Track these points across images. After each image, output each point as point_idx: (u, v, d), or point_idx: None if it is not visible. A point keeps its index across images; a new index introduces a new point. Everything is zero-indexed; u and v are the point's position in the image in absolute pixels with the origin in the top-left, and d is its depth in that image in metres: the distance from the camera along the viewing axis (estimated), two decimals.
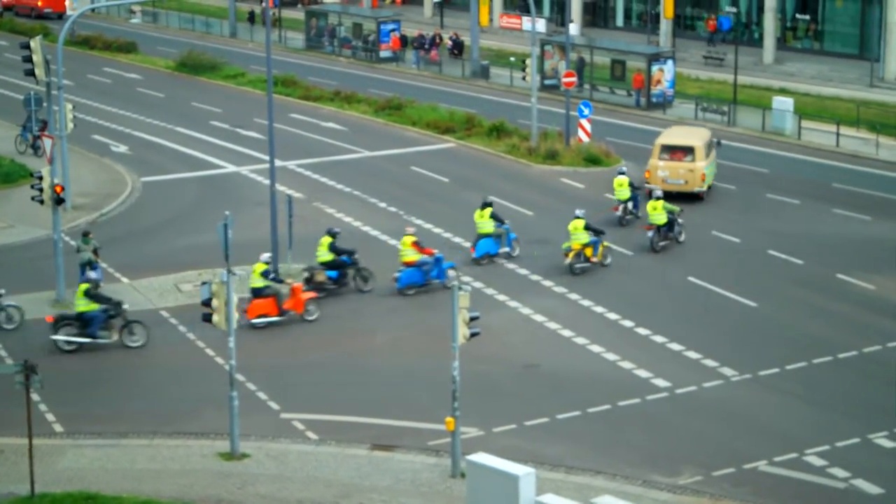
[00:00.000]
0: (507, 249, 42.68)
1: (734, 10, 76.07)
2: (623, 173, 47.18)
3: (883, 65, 71.64)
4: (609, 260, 42.37)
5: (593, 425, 30.89)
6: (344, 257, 40.38)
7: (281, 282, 38.29)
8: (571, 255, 41.52)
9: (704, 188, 49.26)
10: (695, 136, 50.85)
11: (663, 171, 49.09)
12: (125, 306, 36.23)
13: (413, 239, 40.36)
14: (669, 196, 46.33)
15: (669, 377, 33.26)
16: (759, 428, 30.62)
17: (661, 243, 43.57)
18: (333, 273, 39.94)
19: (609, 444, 29.92)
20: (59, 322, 35.71)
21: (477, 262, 42.09)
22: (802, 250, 43.51)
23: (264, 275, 37.81)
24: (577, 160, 55.16)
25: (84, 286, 35.99)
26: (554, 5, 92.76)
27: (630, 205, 46.78)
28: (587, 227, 41.73)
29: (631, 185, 46.82)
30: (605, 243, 42.30)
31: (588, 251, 41.77)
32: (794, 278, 41.15)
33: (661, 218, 43.46)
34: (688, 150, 49.37)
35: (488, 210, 42.81)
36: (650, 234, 43.51)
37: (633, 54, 68.76)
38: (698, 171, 49.02)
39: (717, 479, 28.13)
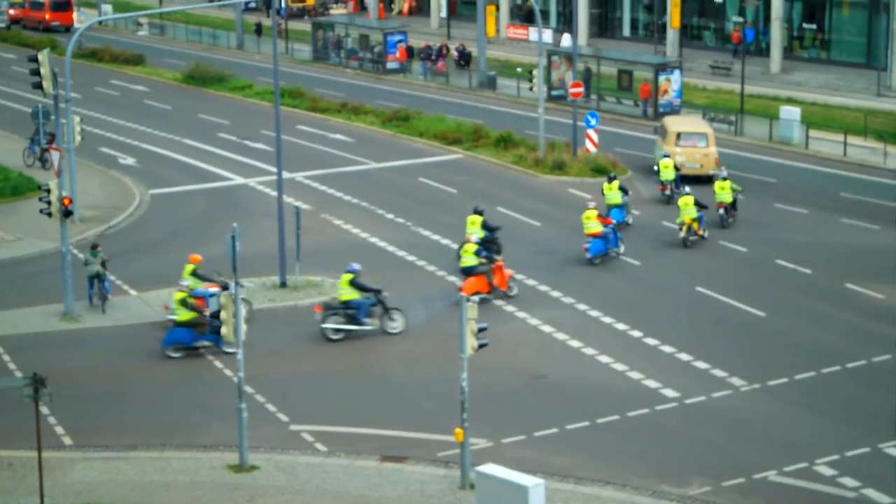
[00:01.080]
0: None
1: (741, 19, 76.06)
2: (667, 156, 50.94)
3: (890, 74, 71.61)
4: (707, 233, 45.80)
5: (602, 436, 30.86)
6: (488, 233, 42.70)
7: (492, 260, 40.09)
8: (685, 228, 44.78)
9: (716, 170, 51.78)
10: (703, 124, 55.89)
11: (680, 157, 52.70)
12: (385, 294, 37.47)
13: (596, 212, 42.93)
14: (686, 179, 50.75)
15: (678, 387, 33.22)
16: (768, 438, 30.57)
17: (730, 220, 47.24)
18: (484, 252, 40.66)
19: (618, 455, 29.87)
20: (327, 311, 36.95)
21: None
22: (811, 260, 43.47)
23: (477, 254, 39.95)
24: (584, 171, 55.17)
25: (349, 276, 37.17)
26: (561, 16, 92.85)
27: (673, 185, 49.91)
28: (696, 203, 44.98)
29: (676, 169, 50.33)
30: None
31: (695, 225, 45.12)
32: (802, 288, 41.11)
33: (727, 197, 47.11)
34: (701, 136, 53.62)
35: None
36: (720, 211, 47.02)
37: (639, 64, 68.80)
38: (712, 156, 53.15)
39: (726, 489, 28.07)
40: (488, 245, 41.82)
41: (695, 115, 62.59)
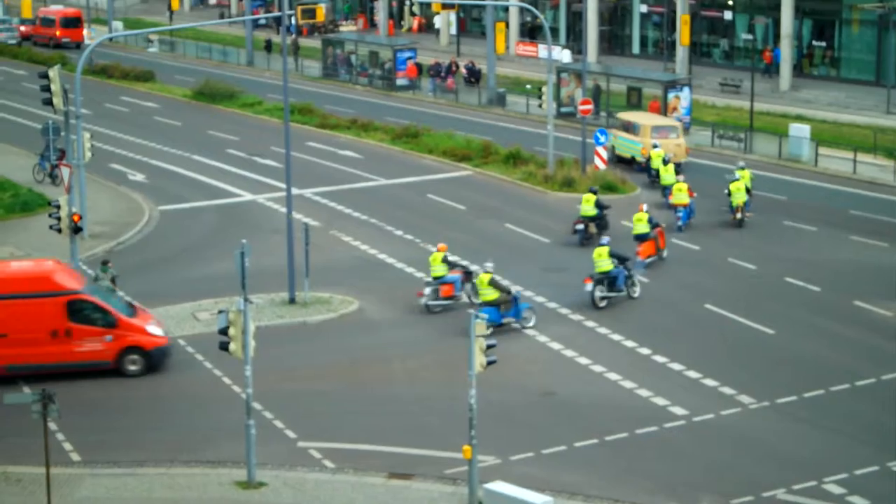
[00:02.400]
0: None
1: (750, 36, 76.10)
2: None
3: None
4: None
5: (611, 453, 30.82)
6: (599, 213, 47.49)
7: (658, 225, 45.11)
8: (738, 212, 49.01)
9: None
10: (669, 119, 60.95)
11: (658, 149, 55.81)
12: (628, 261, 40.97)
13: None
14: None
15: (687, 405, 33.18)
16: (777, 456, 30.51)
17: (748, 216, 49.89)
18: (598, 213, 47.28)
19: (627, 473, 29.83)
20: (595, 282, 40.44)
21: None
22: (819, 277, 43.42)
23: (649, 221, 44.48)
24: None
25: (606, 248, 40.64)
26: (570, 33, 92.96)
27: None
28: (747, 188, 48.68)
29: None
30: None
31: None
32: (811, 305, 41.06)
33: (742, 197, 49.70)
34: (673, 129, 58.76)
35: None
36: (738, 215, 49.70)
37: (649, 81, 68.84)
38: (683, 146, 58.34)
39: None
40: (599, 221, 47.51)
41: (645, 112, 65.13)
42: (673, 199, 49.55)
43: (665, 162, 53.59)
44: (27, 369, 35.41)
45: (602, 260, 40.94)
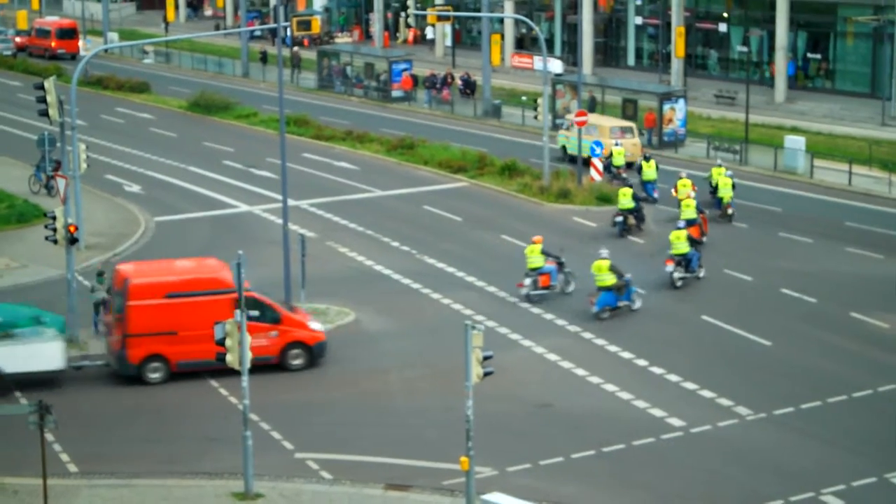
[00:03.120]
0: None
1: (745, 49, 76.18)
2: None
3: (894, 103, 71.67)
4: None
5: (608, 465, 30.80)
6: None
7: (703, 212, 48.33)
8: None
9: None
10: (625, 121, 64.50)
11: (616, 147, 59.19)
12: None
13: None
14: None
15: (684, 416, 33.18)
16: (774, 467, 30.51)
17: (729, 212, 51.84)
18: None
19: (624, 484, 29.82)
20: (675, 264, 43.32)
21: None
22: (815, 289, 43.44)
23: (697, 208, 47.66)
24: (589, 199, 55.24)
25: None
26: (566, 45, 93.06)
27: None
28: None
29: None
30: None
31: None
32: (807, 317, 41.08)
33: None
34: (628, 129, 62.41)
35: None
36: (729, 211, 51.72)
37: (644, 93, 68.91)
38: (639, 145, 61.64)
39: None
40: (637, 213, 50.18)
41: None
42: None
43: (646, 158, 55.82)
44: (197, 366, 36.34)
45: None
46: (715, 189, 52.64)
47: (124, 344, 36.28)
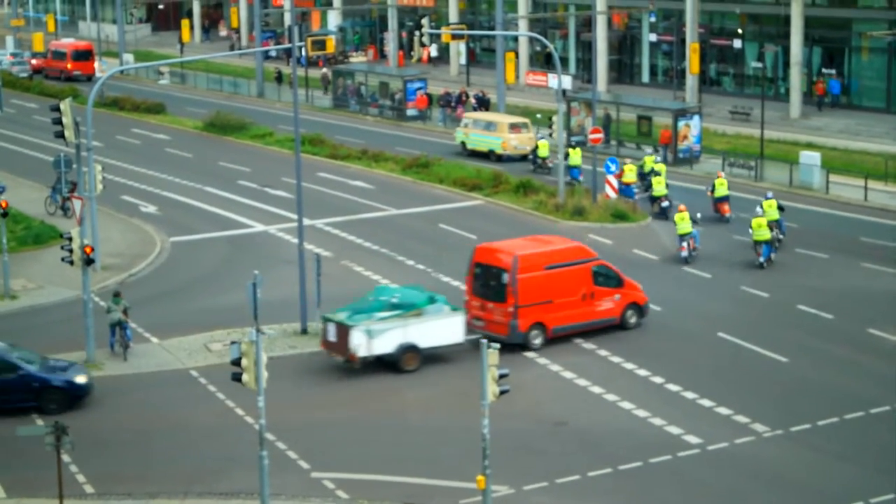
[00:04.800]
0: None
1: (760, 65, 76.16)
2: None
3: None
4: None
5: (624, 483, 30.72)
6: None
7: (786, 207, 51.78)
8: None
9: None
10: (520, 118, 71.14)
11: (515, 142, 67.88)
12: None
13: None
14: (512, 159, 67.43)
15: (701, 434, 33.09)
16: (791, 484, 30.41)
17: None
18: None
19: (641, 502, 29.73)
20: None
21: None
22: (832, 305, 43.32)
23: (779, 207, 49.99)
24: (604, 216, 55.19)
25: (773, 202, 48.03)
26: (580, 62, 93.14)
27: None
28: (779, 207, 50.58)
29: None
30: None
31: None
32: (824, 333, 40.96)
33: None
34: (524, 126, 68.97)
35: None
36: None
37: (659, 110, 68.88)
38: (534, 140, 67.10)
39: None
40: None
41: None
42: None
43: (573, 146, 61.84)
44: (565, 330, 40.13)
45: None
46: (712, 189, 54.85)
47: (516, 315, 39.34)
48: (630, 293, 41.40)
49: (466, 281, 41.46)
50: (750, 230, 48.38)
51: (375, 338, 37.73)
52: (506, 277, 39.59)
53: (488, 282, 40.25)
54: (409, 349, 38.08)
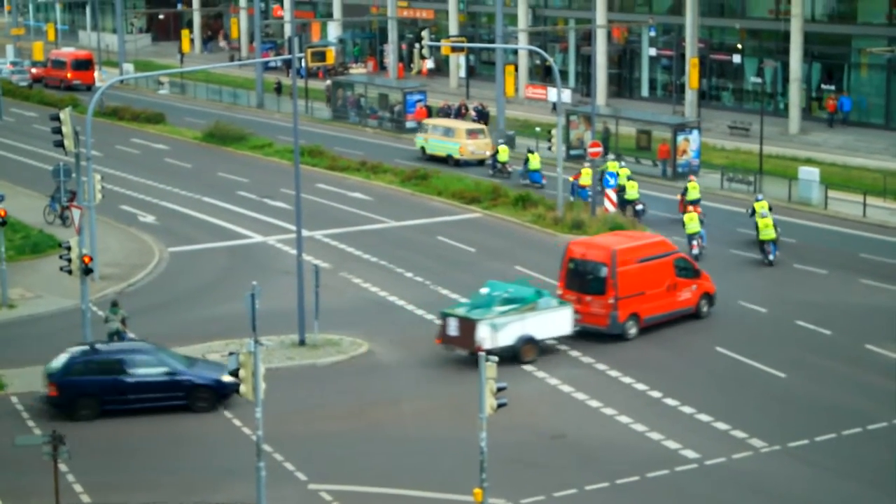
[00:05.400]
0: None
1: (759, 80, 76.27)
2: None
3: None
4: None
5: (622, 497, 30.69)
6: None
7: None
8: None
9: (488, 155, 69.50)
10: (477, 124, 75.71)
11: (472, 147, 71.02)
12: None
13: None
14: (469, 164, 70.54)
15: (698, 448, 33.08)
16: (789, 500, 30.39)
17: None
18: None
19: None
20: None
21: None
22: (830, 320, 43.33)
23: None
24: (602, 229, 54.97)
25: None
26: (580, 76, 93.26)
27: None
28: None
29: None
30: None
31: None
32: (822, 349, 40.96)
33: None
34: (481, 131, 72.74)
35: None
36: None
37: (658, 124, 68.95)
38: (489, 144, 70.82)
39: None
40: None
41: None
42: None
43: (531, 151, 65.71)
44: (654, 320, 42.53)
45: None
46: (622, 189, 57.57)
47: (616, 306, 41.40)
48: (703, 283, 43.90)
49: (560, 276, 43.23)
50: (756, 230, 50.49)
51: (499, 331, 39.32)
52: (604, 271, 41.80)
53: (585, 276, 42.37)
54: (528, 341, 39.83)
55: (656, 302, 42.55)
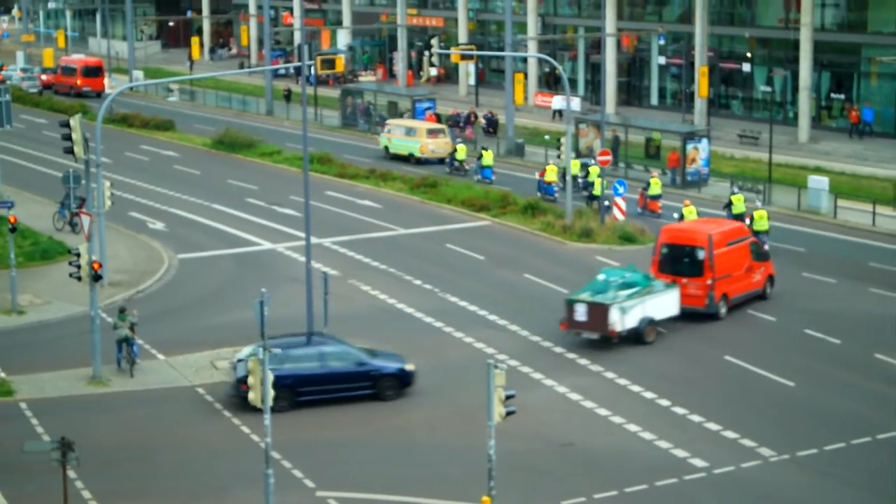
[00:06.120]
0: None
1: (769, 88, 76.24)
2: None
3: None
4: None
5: None
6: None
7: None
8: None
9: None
10: (438, 124, 77.92)
11: (432, 146, 73.68)
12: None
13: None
14: (430, 162, 72.93)
15: (707, 457, 33.04)
16: None
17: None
18: None
19: None
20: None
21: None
22: (839, 329, 43.28)
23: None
24: (611, 238, 55.18)
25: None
26: (589, 84, 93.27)
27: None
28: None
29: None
30: None
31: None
32: (831, 358, 40.90)
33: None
34: (441, 130, 75.69)
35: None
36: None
37: (667, 133, 68.92)
38: (449, 144, 73.61)
39: None
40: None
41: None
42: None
43: (485, 149, 69.05)
44: (737, 300, 45.38)
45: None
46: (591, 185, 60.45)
47: (713, 287, 44.09)
48: (768, 267, 46.94)
49: (652, 261, 45.68)
50: (751, 221, 52.50)
51: (627, 314, 41.61)
52: (702, 254, 44.44)
53: (681, 259, 44.85)
54: (650, 322, 42.22)
55: (739, 283, 45.35)
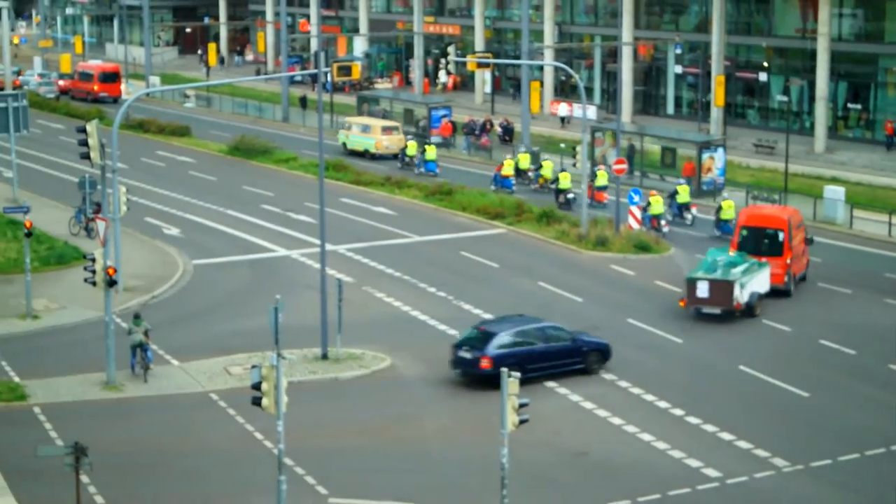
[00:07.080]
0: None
1: (785, 98, 76.11)
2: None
3: None
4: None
5: None
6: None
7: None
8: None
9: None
10: (392, 122, 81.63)
11: (388, 143, 77.90)
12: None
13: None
14: (385, 157, 77.35)
15: (720, 467, 32.95)
16: None
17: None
18: None
19: None
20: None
21: None
22: (855, 340, 43.16)
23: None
24: (627, 247, 55.12)
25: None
26: (605, 93, 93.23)
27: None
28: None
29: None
30: None
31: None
32: (846, 368, 40.79)
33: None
34: (395, 129, 79.23)
35: None
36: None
37: (683, 142, 68.85)
38: (402, 140, 77.57)
39: None
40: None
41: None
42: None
43: (429, 143, 74.43)
44: (799, 279, 49.62)
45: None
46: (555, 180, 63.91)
47: (791, 266, 48.23)
48: (808, 251, 51.05)
49: (731, 242, 49.74)
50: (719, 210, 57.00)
51: (745, 289, 45.16)
52: (782, 235, 48.27)
53: (761, 240, 48.58)
54: (759, 297, 45.89)
55: (799, 263, 49.31)
